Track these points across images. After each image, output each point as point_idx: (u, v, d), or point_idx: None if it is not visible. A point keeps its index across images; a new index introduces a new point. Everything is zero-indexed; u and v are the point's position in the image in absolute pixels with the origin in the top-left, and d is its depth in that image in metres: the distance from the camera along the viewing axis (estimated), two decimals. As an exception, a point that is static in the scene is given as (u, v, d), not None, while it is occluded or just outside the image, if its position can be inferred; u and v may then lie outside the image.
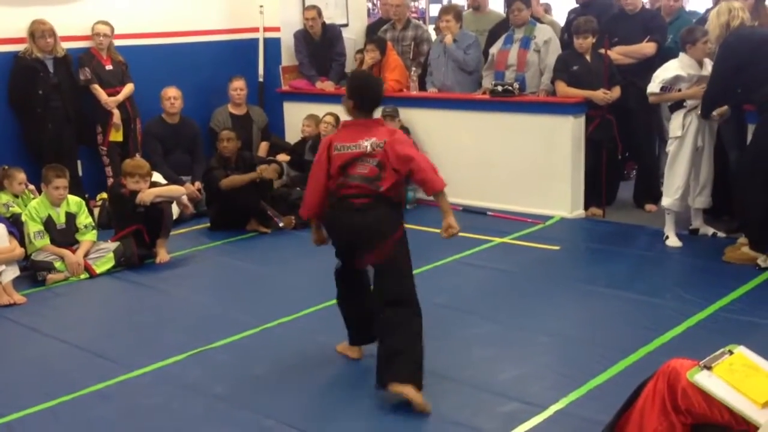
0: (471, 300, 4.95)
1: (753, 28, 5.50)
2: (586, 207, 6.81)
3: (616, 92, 6.52)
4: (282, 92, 8.42)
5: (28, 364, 4.30)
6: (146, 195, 5.87)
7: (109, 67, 7.13)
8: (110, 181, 6.96)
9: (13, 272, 5.25)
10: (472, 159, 7.15)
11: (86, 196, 6.68)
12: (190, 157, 7.51)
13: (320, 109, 7.63)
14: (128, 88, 7.19)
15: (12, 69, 6.73)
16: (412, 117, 7.33)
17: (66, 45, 6.89)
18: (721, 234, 6.00)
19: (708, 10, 6.06)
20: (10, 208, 6.03)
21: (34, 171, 6.29)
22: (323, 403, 3.78)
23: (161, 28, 7.77)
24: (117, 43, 7.27)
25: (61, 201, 5.73)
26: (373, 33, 8.32)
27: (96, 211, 6.75)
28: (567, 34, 7.08)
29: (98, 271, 5.67)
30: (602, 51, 6.48)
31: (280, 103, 8.46)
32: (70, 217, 5.76)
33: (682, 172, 5.81)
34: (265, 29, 8.39)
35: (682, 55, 5.81)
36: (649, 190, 6.90)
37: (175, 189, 6.40)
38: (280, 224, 6.67)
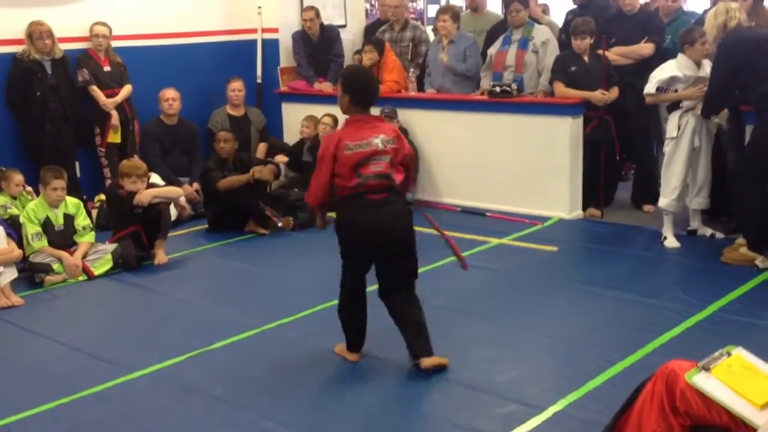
0: (469, 301, 4.95)
1: (750, 28, 5.51)
2: (585, 208, 6.81)
3: (614, 93, 6.52)
4: (280, 93, 8.41)
5: (26, 367, 4.29)
6: (144, 196, 5.87)
7: (107, 68, 7.12)
8: (108, 182, 6.95)
9: (11, 274, 5.25)
10: (470, 160, 7.16)
11: (84, 197, 6.68)
12: (189, 158, 7.51)
13: (318, 110, 7.63)
14: (126, 90, 7.19)
15: (10, 70, 6.72)
16: (411, 118, 7.33)
17: (64, 46, 6.89)
18: (719, 235, 6.01)
19: (706, 11, 6.06)
20: (8, 210, 6.01)
21: (32, 172, 6.30)
22: (322, 404, 3.78)
23: (159, 29, 7.77)
24: (115, 44, 7.27)
25: (59, 202, 5.72)
26: (371, 34, 8.32)
27: (94, 212, 6.74)
28: (565, 34, 7.08)
29: (96, 272, 5.67)
30: (600, 52, 6.49)
31: (279, 104, 8.46)
32: (68, 219, 5.76)
33: (679, 172, 5.82)
34: (264, 30, 8.39)
35: (680, 55, 5.82)
36: (647, 190, 6.90)
37: (172, 190, 6.41)
38: (279, 224, 6.66)
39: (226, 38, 8.30)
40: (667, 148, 5.88)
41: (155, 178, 6.71)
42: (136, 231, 5.93)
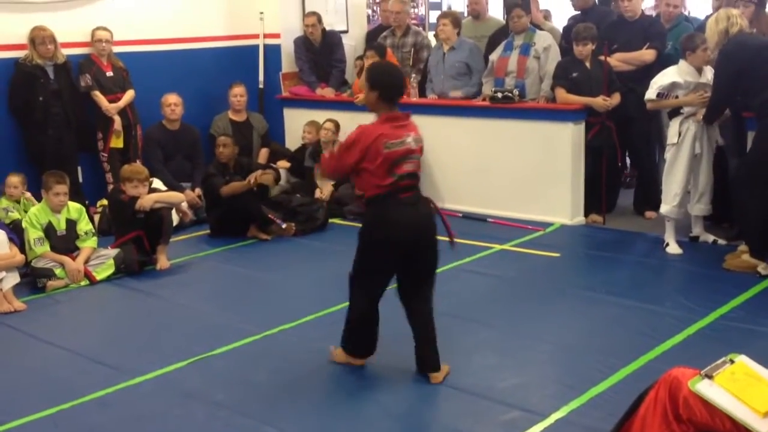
0: (471, 307, 4.95)
1: (752, 35, 5.52)
2: (586, 214, 6.81)
3: (615, 99, 6.53)
4: (282, 99, 8.42)
5: (27, 371, 4.29)
6: (146, 200, 5.88)
7: (109, 73, 7.13)
8: (111, 187, 6.95)
9: (14, 279, 5.24)
10: (471, 166, 7.16)
11: (86, 202, 6.68)
12: (191, 163, 7.51)
13: (320, 116, 7.64)
14: (129, 95, 7.19)
15: (12, 75, 6.73)
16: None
17: (66, 51, 6.89)
18: (721, 241, 6.00)
19: (707, 17, 6.07)
20: (9, 213, 6.03)
21: (34, 177, 6.31)
22: (323, 410, 3.77)
23: (162, 34, 7.77)
24: (118, 49, 7.28)
25: (62, 207, 5.73)
26: (372, 39, 8.33)
27: (96, 217, 6.74)
28: (566, 40, 7.09)
29: (98, 277, 5.67)
30: (602, 58, 6.49)
31: (281, 109, 8.47)
32: (71, 224, 5.76)
33: (680, 179, 5.82)
34: (266, 36, 8.40)
35: (681, 61, 5.83)
36: (649, 197, 6.89)
37: (174, 195, 6.41)
38: (283, 225, 6.67)
39: (228, 44, 8.31)
40: (668, 155, 5.88)
41: (157, 183, 6.72)
42: (138, 236, 5.93)
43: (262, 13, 8.34)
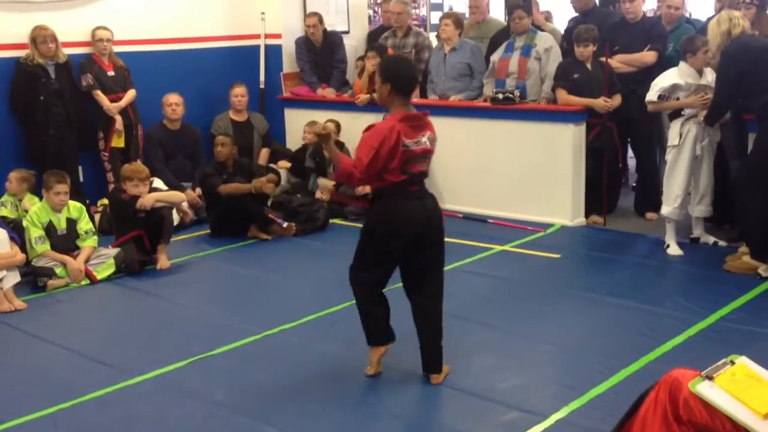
0: (471, 308, 4.94)
1: (754, 36, 5.52)
2: (587, 215, 6.81)
3: (616, 100, 6.53)
4: (283, 99, 8.42)
5: (28, 371, 4.29)
6: (146, 200, 5.88)
7: (111, 72, 7.13)
8: (111, 187, 6.95)
9: (14, 278, 5.24)
10: (472, 166, 7.16)
11: (87, 201, 6.68)
12: (192, 163, 7.51)
13: (321, 116, 7.64)
14: (130, 94, 7.20)
15: (14, 75, 6.73)
16: (413, 124, 7.32)
17: (67, 51, 6.89)
18: (722, 243, 6.00)
19: (709, 19, 6.07)
20: (2, 208, 6.09)
21: (35, 177, 6.32)
22: (323, 410, 3.76)
23: (163, 34, 7.78)
24: (119, 49, 7.28)
25: (62, 207, 5.73)
26: (374, 40, 8.34)
27: (97, 217, 6.75)
28: (567, 42, 7.09)
29: (99, 277, 5.67)
30: (603, 59, 6.49)
31: (281, 109, 8.47)
32: (71, 223, 5.76)
33: (681, 180, 5.82)
34: (267, 36, 8.41)
35: (681, 63, 5.83)
36: (650, 198, 6.90)
37: (175, 195, 6.41)
38: (284, 225, 6.67)
39: (229, 44, 8.31)
40: (669, 156, 5.89)
41: (158, 182, 6.72)
42: (138, 235, 5.93)
43: (263, 13, 8.35)
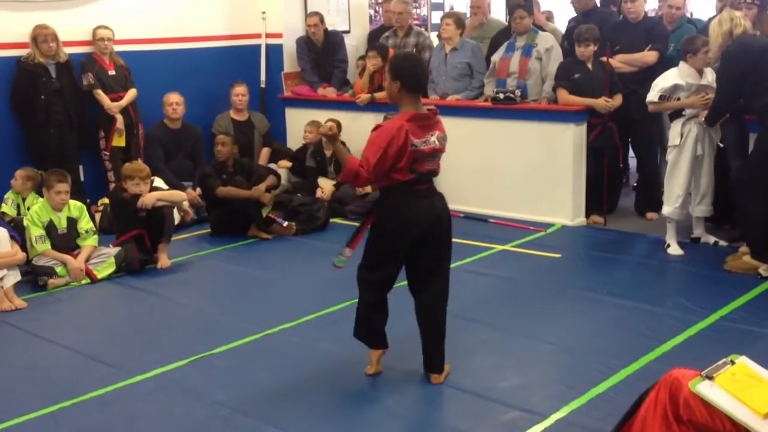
0: (472, 307, 4.94)
1: (755, 36, 5.51)
2: (588, 215, 6.81)
3: (617, 100, 6.53)
4: (284, 98, 8.43)
5: (28, 370, 4.29)
6: (148, 199, 5.88)
7: (112, 72, 7.14)
8: (112, 186, 6.96)
9: (15, 277, 5.25)
10: (473, 166, 7.16)
11: (88, 201, 6.68)
12: (192, 162, 7.52)
13: (322, 116, 7.64)
14: (131, 94, 7.20)
15: (14, 74, 6.73)
16: (414, 124, 7.32)
17: (68, 50, 6.89)
18: (722, 243, 6.00)
19: (710, 19, 6.06)
20: (4, 204, 6.12)
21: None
22: (324, 410, 3.77)
23: (164, 33, 7.78)
24: (120, 48, 7.28)
25: (63, 206, 5.73)
26: (375, 40, 8.34)
27: (97, 216, 6.75)
28: (568, 42, 7.09)
29: (99, 276, 5.67)
30: (604, 59, 6.49)
31: (282, 109, 8.47)
32: (72, 222, 5.76)
33: (682, 180, 5.82)
34: (268, 35, 8.41)
35: (681, 63, 5.83)
36: (650, 198, 6.90)
37: (176, 194, 6.42)
38: (284, 224, 6.68)
39: (230, 43, 8.32)
40: (670, 156, 5.89)
41: (159, 182, 6.72)
42: (139, 234, 5.94)
43: (264, 12, 8.35)
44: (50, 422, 3.69)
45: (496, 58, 7.14)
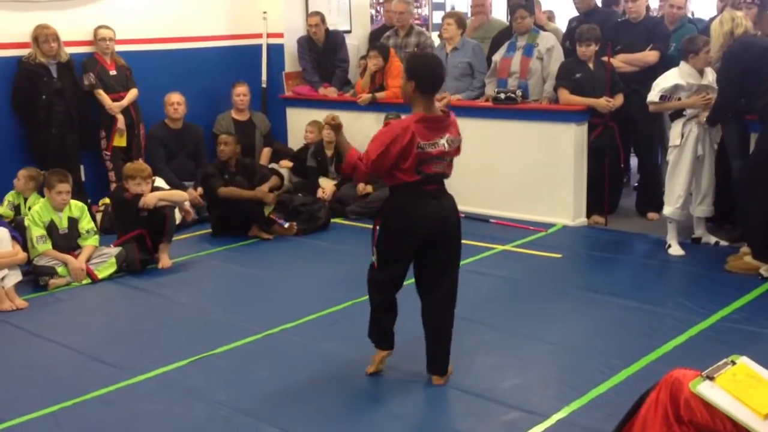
0: (473, 307, 4.93)
1: (756, 36, 5.51)
2: (589, 215, 6.81)
3: (618, 100, 6.53)
4: (285, 98, 8.43)
5: (29, 369, 4.30)
6: (149, 198, 5.88)
7: (113, 72, 7.14)
8: (113, 186, 6.96)
9: (16, 277, 5.25)
10: (474, 166, 7.13)
11: (89, 201, 6.69)
12: (194, 162, 7.52)
13: (323, 116, 7.49)
14: (132, 94, 7.21)
15: (16, 74, 6.74)
16: (415, 124, 7.32)
17: (69, 50, 6.90)
18: (723, 243, 6.00)
19: (712, 19, 6.06)
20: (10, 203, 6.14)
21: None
22: (325, 410, 3.77)
23: (165, 33, 7.78)
24: (121, 48, 7.29)
25: (64, 206, 5.73)
26: (376, 39, 8.34)
27: (99, 216, 6.76)
28: (569, 41, 7.09)
29: (100, 276, 5.67)
30: (605, 59, 6.49)
31: (283, 109, 8.48)
32: (73, 222, 5.77)
33: (683, 180, 5.82)
34: (269, 35, 8.41)
35: (682, 63, 5.83)
36: (651, 198, 6.90)
37: (178, 194, 6.42)
38: (285, 225, 6.68)
39: (231, 43, 8.32)
40: (671, 157, 5.88)
41: (160, 182, 6.72)
42: (140, 234, 5.94)
43: (265, 12, 8.35)
44: (51, 422, 3.69)
45: (497, 57, 7.14)
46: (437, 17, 10.28)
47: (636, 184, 7.53)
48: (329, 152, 7.56)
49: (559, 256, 5.95)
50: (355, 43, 8.72)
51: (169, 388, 4.00)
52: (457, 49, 7.32)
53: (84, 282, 5.63)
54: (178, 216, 6.49)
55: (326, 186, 7.42)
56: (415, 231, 3.77)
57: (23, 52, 6.74)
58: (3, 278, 5.16)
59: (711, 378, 2.68)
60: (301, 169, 7.79)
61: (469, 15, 8.98)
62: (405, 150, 3.64)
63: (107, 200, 6.83)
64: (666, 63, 6.44)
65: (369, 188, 7.25)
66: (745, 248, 5.60)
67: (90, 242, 5.79)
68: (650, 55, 6.66)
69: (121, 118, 7.10)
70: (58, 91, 6.78)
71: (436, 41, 8.26)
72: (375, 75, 7.64)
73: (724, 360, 2.79)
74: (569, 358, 4.29)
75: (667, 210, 5.93)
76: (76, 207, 5.83)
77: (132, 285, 5.62)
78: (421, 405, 3.83)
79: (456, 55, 7.34)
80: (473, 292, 5.23)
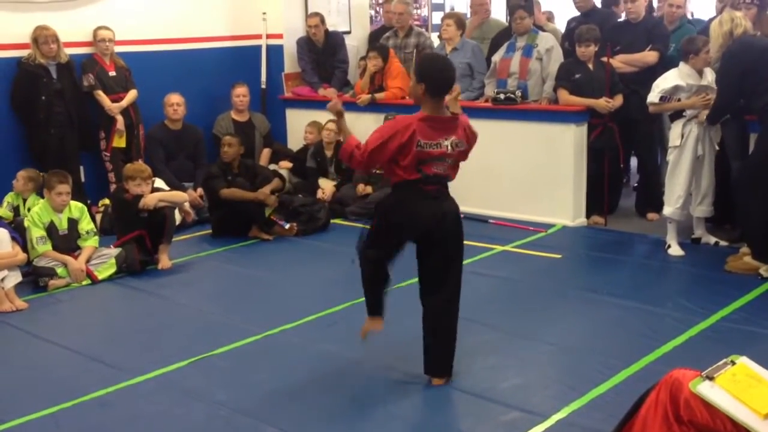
0: (472, 308, 4.91)
1: (755, 36, 5.52)
2: (588, 215, 6.81)
3: (618, 101, 6.53)
4: (284, 99, 8.43)
5: (29, 370, 4.29)
6: (149, 199, 5.89)
7: (112, 73, 7.14)
8: (113, 187, 6.96)
9: (16, 278, 5.25)
10: (473, 167, 7.03)
11: (88, 202, 6.69)
12: (193, 163, 7.52)
13: (323, 116, 7.64)
14: (132, 94, 7.21)
15: (15, 75, 6.73)
16: (415, 124, 7.32)
17: (69, 51, 6.90)
18: (723, 243, 6.00)
19: (711, 20, 6.06)
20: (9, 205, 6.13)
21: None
22: (324, 410, 3.76)
23: (164, 34, 7.78)
24: (120, 49, 7.29)
25: (64, 207, 5.73)
26: (375, 40, 8.34)
27: (98, 216, 6.76)
28: (568, 42, 7.09)
29: (100, 277, 5.67)
30: (604, 59, 6.49)
31: (283, 109, 8.48)
32: (72, 223, 5.77)
33: (683, 181, 5.82)
34: (268, 36, 8.41)
35: (681, 64, 5.83)
36: (651, 198, 6.90)
37: (178, 195, 6.42)
38: (286, 226, 6.68)
39: (230, 44, 8.32)
40: (671, 157, 5.89)
41: (160, 182, 6.72)
42: (140, 235, 5.94)
43: (264, 13, 8.35)
44: (51, 423, 3.69)
45: (496, 58, 7.14)
46: (437, 18, 10.28)
47: (636, 185, 7.54)
48: (329, 153, 7.56)
49: (559, 256, 5.95)
50: (355, 43, 8.72)
51: (168, 389, 4.00)
52: (456, 49, 7.32)
53: (84, 283, 5.62)
54: (178, 217, 6.49)
55: (326, 187, 7.42)
56: (410, 227, 3.79)
57: (23, 53, 6.74)
58: (3, 279, 5.16)
59: (711, 378, 2.68)
60: (301, 170, 7.79)
61: (468, 15, 8.98)
62: (403, 147, 3.65)
63: (107, 201, 6.83)
64: (665, 63, 6.44)
65: (369, 189, 7.25)
66: (744, 248, 5.60)
67: (90, 243, 5.79)
68: (650, 56, 6.67)
69: (120, 119, 7.10)
70: (58, 92, 6.78)
71: (436, 42, 8.27)
72: (374, 76, 7.64)
73: (724, 360, 2.79)
74: (569, 358, 4.29)
75: (667, 210, 5.93)
76: (76, 208, 5.83)
77: (132, 286, 5.62)
78: (420, 405, 3.83)
79: (455, 56, 7.33)
80: (473, 292, 5.21)
